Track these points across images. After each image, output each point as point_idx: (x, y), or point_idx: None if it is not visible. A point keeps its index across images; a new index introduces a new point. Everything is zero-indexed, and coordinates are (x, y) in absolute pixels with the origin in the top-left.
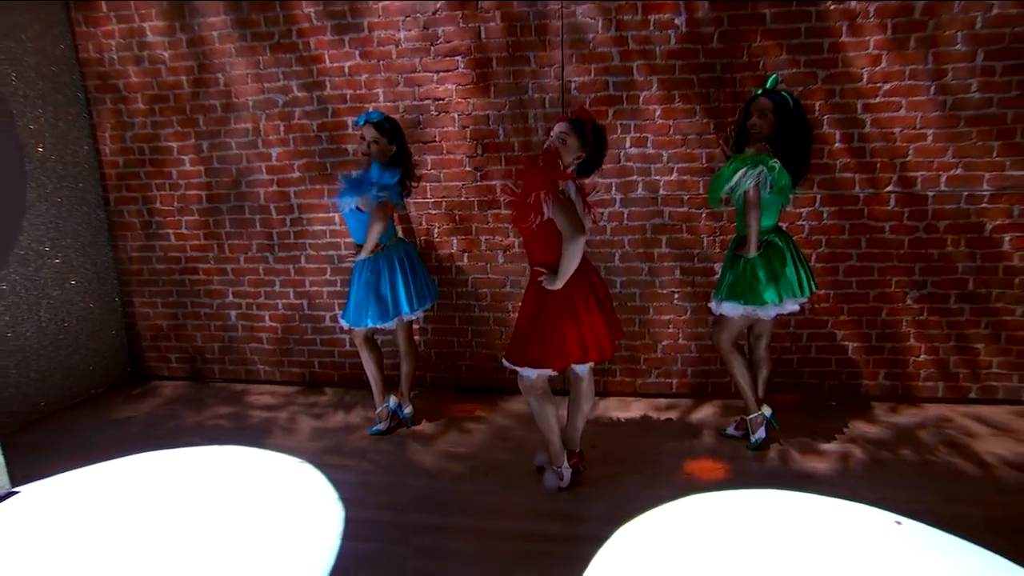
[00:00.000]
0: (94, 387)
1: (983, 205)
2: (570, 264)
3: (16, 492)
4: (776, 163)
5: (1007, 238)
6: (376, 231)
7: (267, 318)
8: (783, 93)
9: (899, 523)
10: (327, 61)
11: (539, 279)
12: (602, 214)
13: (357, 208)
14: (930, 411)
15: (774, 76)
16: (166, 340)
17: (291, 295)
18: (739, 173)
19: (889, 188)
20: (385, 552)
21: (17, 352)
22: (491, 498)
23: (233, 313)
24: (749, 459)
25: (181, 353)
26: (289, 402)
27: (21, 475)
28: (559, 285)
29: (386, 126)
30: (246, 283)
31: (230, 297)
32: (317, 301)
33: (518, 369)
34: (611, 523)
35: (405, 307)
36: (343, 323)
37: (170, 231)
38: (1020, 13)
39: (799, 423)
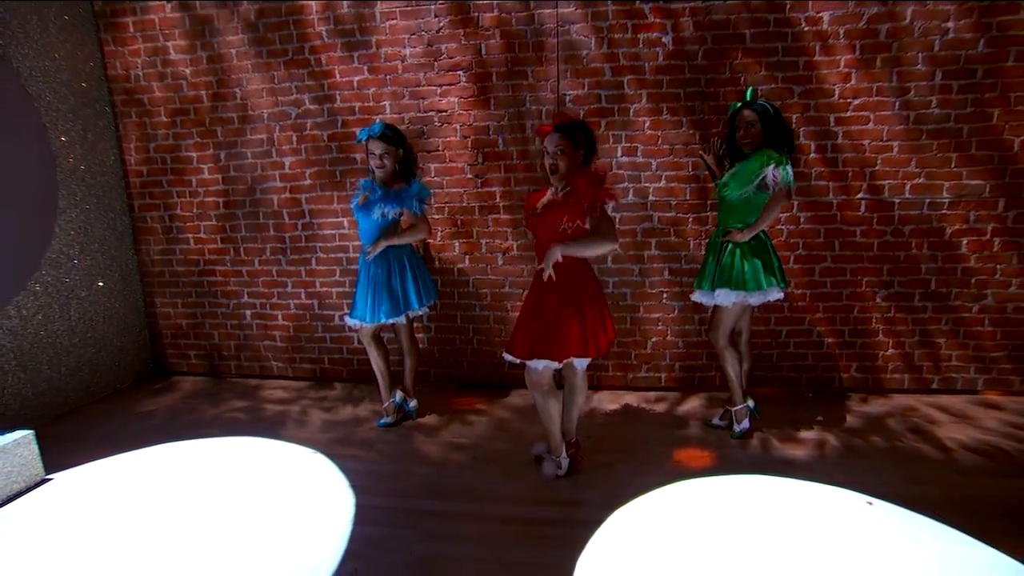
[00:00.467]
0: (119, 382)
1: (943, 211)
2: (586, 252)
3: (49, 479)
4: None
5: (964, 242)
6: (420, 236)
7: (280, 317)
8: (762, 102)
9: (870, 504)
10: (337, 76)
11: (539, 267)
12: None
13: (384, 215)
14: (897, 401)
15: (751, 88)
16: (185, 338)
17: (302, 295)
18: (771, 167)
19: (860, 195)
20: (393, 536)
21: (49, 348)
22: (492, 485)
23: (248, 312)
24: (733, 447)
25: (199, 350)
26: (301, 396)
27: (53, 463)
28: (559, 257)
29: (390, 135)
30: (260, 284)
31: (245, 297)
32: (327, 301)
33: (526, 362)
34: (606, 508)
35: (415, 302)
36: (352, 323)
37: (190, 236)
38: (973, 37)
39: (779, 413)
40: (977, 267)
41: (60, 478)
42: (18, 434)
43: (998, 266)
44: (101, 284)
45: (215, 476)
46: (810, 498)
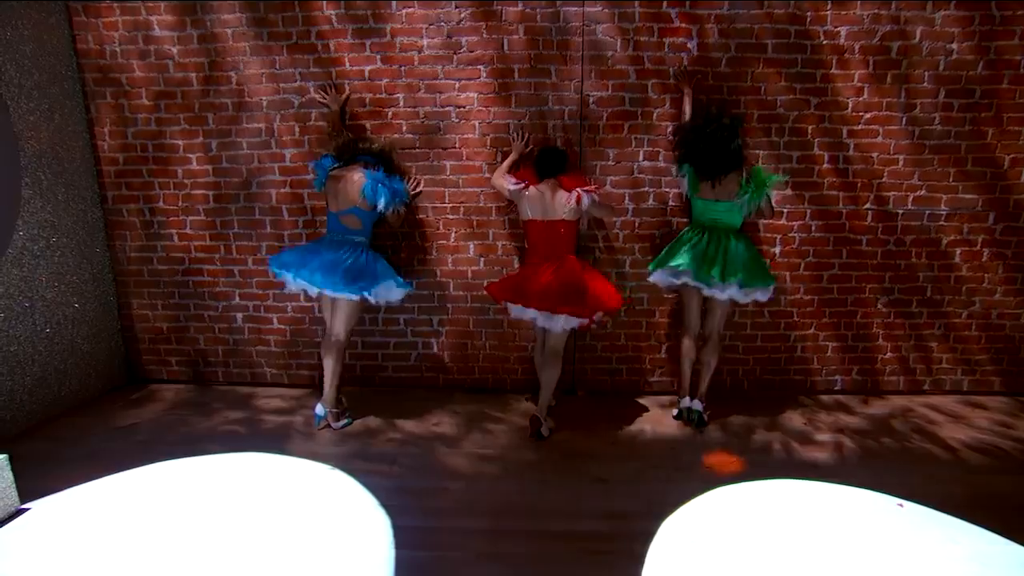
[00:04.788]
0: (90, 392)
1: (940, 223)
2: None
3: (26, 509)
4: None
5: (958, 252)
6: None
7: (275, 320)
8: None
9: (901, 505)
10: (347, 64)
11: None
12: (616, 222)
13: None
14: (895, 402)
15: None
16: (166, 343)
17: (301, 297)
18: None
19: (867, 206)
20: (443, 559)
21: (11, 357)
22: (532, 498)
23: (239, 315)
24: (757, 451)
25: (181, 356)
26: (301, 405)
27: (26, 490)
28: None
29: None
30: (254, 285)
31: (237, 299)
32: None
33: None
34: (652, 518)
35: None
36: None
37: (173, 231)
38: (975, 59)
39: (791, 416)
40: (968, 276)
41: (39, 507)
42: None
43: (986, 275)
44: (69, 284)
45: (226, 499)
46: (845, 501)
